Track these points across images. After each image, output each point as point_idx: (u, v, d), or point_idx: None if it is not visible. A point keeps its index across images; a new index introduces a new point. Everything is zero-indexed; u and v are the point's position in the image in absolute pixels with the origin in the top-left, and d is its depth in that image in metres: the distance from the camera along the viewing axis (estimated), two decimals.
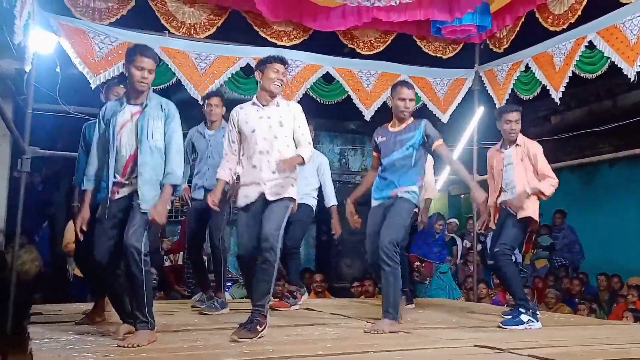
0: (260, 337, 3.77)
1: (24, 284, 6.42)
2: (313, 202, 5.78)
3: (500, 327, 4.61)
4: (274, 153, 4.06)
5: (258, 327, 3.80)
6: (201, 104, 5.61)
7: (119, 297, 3.83)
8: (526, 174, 4.89)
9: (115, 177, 3.70)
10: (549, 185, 4.84)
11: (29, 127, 5.97)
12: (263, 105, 4.14)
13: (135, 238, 3.53)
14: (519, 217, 4.83)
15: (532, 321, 4.63)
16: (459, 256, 9.31)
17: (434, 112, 7.55)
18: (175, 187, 3.77)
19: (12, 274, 5.92)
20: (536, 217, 4.91)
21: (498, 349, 3.59)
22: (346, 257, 10.24)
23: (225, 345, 3.56)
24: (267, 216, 4.00)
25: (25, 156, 5.89)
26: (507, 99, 7.24)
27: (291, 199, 4.11)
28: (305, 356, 3.29)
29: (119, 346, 3.44)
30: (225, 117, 4.91)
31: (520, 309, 4.69)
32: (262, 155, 4.06)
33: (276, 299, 5.62)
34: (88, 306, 4.96)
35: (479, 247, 8.22)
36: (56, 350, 3.28)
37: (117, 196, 3.71)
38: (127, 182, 3.71)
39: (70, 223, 6.85)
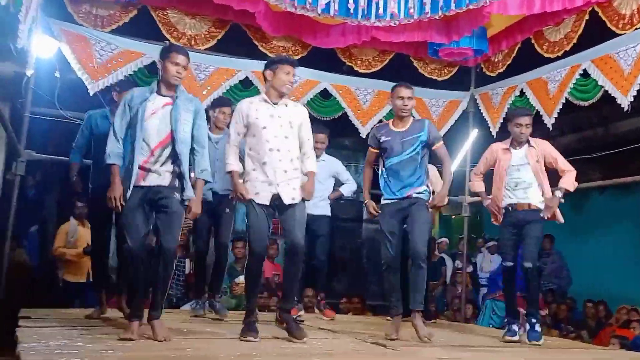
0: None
1: (13, 288, 6.35)
2: (329, 212, 5.90)
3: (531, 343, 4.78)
4: (283, 152, 4.15)
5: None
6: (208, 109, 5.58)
7: (138, 289, 3.88)
8: (544, 175, 4.96)
9: (140, 161, 3.80)
10: (572, 181, 4.93)
11: (25, 130, 5.98)
12: (274, 104, 4.22)
13: (174, 241, 3.80)
14: (558, 221, 4.93)
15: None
16: (447, 276, 9.33)
17: None
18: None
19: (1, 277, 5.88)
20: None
21: None
22: (337, 273, 10.24)
23: (214, 356, 3.55)
24: (291, 223, 4.16)
25: (21, 159, 5.90)
26: (501, 122, 7.32)
27: (304, 201, 4.26)
28: None
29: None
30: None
31: (537, 322, 4.88)
32: (272, 152, 4.14)
33: None
34: (77, 311, 5.00)
35: (470, 268, 8.26)
36: (44, 354, 3.25)
37: (142, 183, 3.82)
38: (153, 168, 3.81)
39: (62, 227, 6.85)
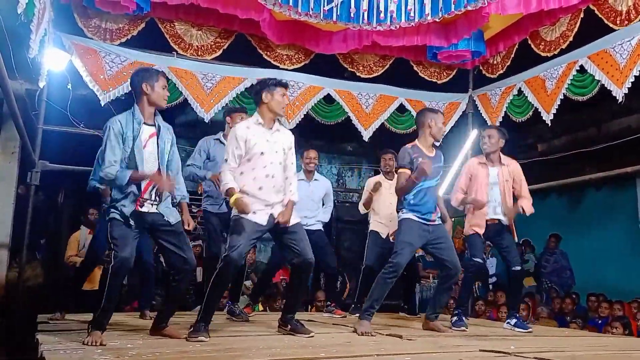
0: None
1: (29, 298, 6.43)
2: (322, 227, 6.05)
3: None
4: (277, 177, 4.23)
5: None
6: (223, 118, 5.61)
7: (114, 300, 3.90)
8: (508, 194, 5.24)
9: (138, 192, 3.86)
10: (530, 206, 5.24)
11: (39, 142, 6.11)
12: (269, 129, 4.26)
13: (194, 259, 3.98)
14: (513, 236, 5.32)
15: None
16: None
17: None
18: None
19: (18, 288, 5.98)
20: None
21: (504, 352, 3.68)
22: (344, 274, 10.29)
23: (238, 349, 3.64)
24: (301, 244, 4.21)
25: (35, 169, 6.02)
26: (500, 122, 7.49)
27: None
28: (310, 359, 3.33)
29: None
30: None
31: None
32: (268, 178, 4.19)
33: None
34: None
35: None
36: (67, 354, 3.30)
37: (140, 209, 3.88)
38: (148, 198, 3.89)
39: (73, 236, 6.91)
